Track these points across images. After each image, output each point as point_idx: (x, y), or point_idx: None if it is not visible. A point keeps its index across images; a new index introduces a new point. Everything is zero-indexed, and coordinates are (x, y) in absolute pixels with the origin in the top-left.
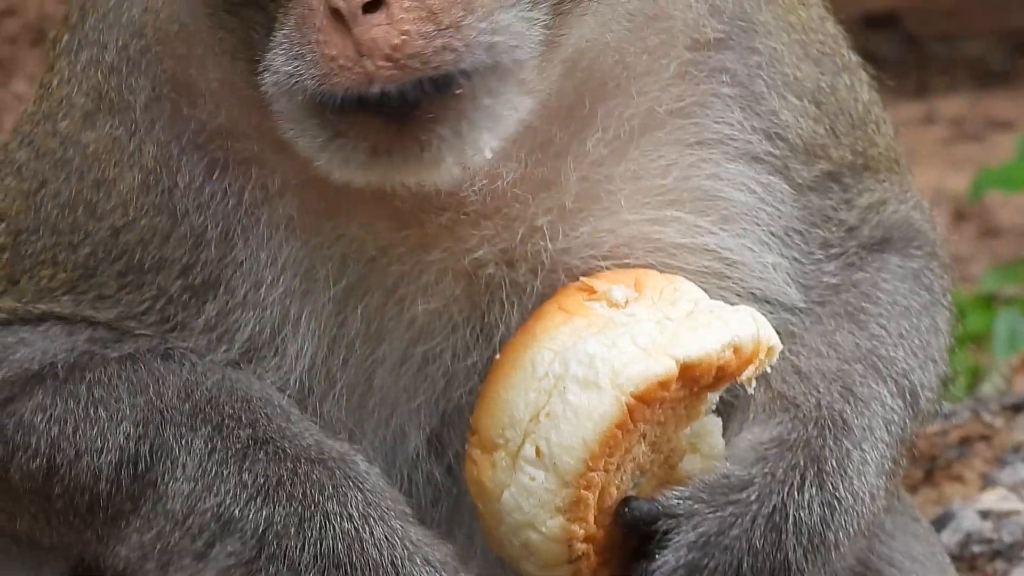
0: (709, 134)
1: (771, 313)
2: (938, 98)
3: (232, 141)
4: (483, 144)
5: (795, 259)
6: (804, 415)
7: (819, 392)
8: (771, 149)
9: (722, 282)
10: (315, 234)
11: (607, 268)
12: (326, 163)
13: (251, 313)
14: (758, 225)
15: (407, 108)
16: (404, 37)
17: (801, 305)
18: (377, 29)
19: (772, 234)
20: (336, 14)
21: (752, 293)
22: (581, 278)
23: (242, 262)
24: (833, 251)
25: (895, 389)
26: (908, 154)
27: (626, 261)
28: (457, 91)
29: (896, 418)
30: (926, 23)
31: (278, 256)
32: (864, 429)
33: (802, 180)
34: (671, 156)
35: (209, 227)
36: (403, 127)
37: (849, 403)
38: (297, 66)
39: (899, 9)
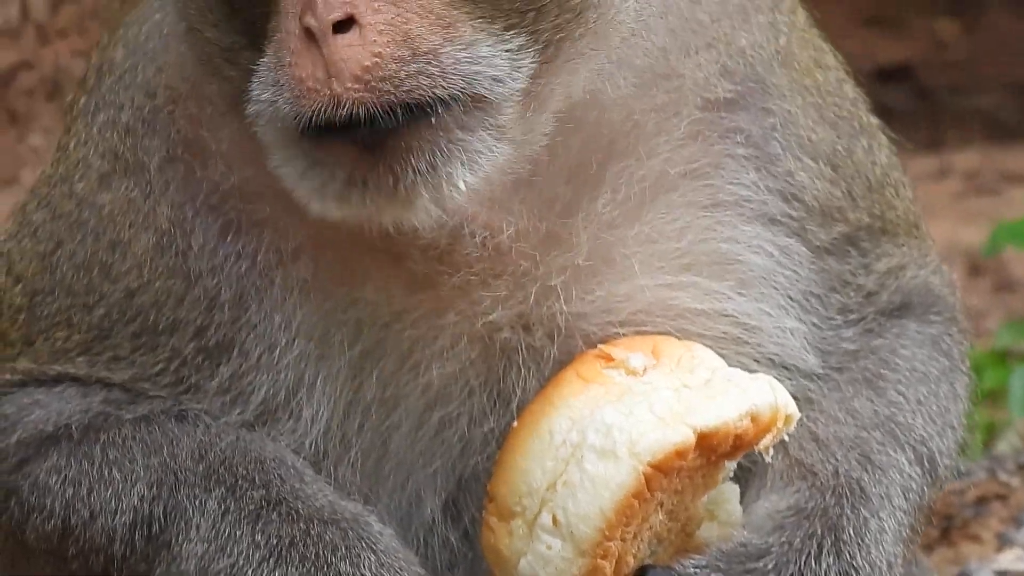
0: (724, 195)
1: (789, 379)
2: (951, 151)
3: (245, 202)
4: (457, 180)
5: (814, 324)
6: (822, 483)
7: (837, 460)
8: (788, 210)
9: (740, 348)
10: (329, 297)
11: (624, 335)
12: (304, 193)
13: (265, 376)
14: (776, 289)
15: (379, 135)
16: (376, 59)
17: (819, 371)
18: (348, 49)
19: (790, 298)
20: (309, 34)
21: (770, 358)
22: (599, 345)
23: (256, 325)
24: (852, 316)
25: (913, 456)
26: (922, 208)
27: (644, 328)
28: (431, 119)
29: (914, 485)
30: (939, 76)
31: (292, 319)
32: (882, 497)
33: (819, 243)
34: (685, 219)
35: (223, 289)
36: (377, 157)
37: (867, 471)
38: (274, 91)
39: (911, 62)
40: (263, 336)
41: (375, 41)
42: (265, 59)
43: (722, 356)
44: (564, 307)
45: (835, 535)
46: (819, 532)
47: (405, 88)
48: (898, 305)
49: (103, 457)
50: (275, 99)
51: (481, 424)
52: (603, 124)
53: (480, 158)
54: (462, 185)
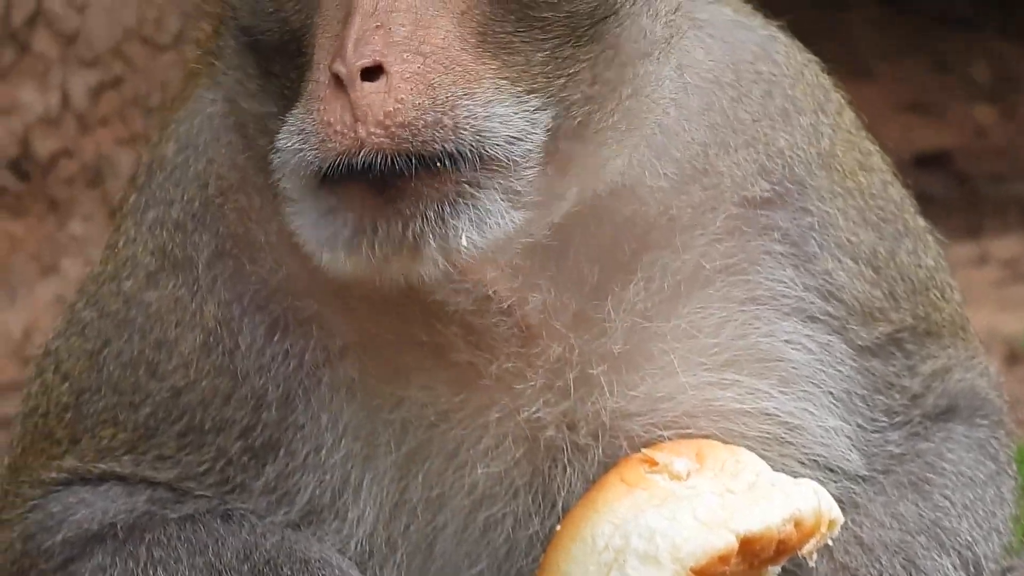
0: (762, 291)
1: (833, 481)
2: (990, 239)
3: (293, 299)
4: (464, 235)
5: (858, 425)
6: None
7: (881, 564)
8: (827, 308)
9: (784, 448)
10: (376, 397)
11: (669, 437)
12: (315, 244)
13: (311, 476)
14: (818, 387)
15: (392, 180)
16: (398, 105)
17: (864, 473)
18: (374, 96)
19: (833, 396)
20: (337, 80)
21: (814, 459)
22: (642, 449)
23: (303, 425)
24: (897, 419)
25: (958, 562)
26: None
27: (687, 430)
28: (442, 171)
29: None
30: (977, 163)
31: (339, 419)
32: None
33: (862, 342)
34: (723, 313)
35: (270, 389)
36: (387, 202)
37: (920, 569)
38: (300, 140)
39: (950, 149)
40: (310, 436)
41: (399, 88)
42: (294, 112)
43: (765, 457)
44: (608, 403)
45: None
46: None
47: (420, 138)
48: (944, 409)
49: (148, 557)
50: (301, 147)
51: (526, 526)
52: (638, 214)
53: (490, 219)
54: (469, 241)
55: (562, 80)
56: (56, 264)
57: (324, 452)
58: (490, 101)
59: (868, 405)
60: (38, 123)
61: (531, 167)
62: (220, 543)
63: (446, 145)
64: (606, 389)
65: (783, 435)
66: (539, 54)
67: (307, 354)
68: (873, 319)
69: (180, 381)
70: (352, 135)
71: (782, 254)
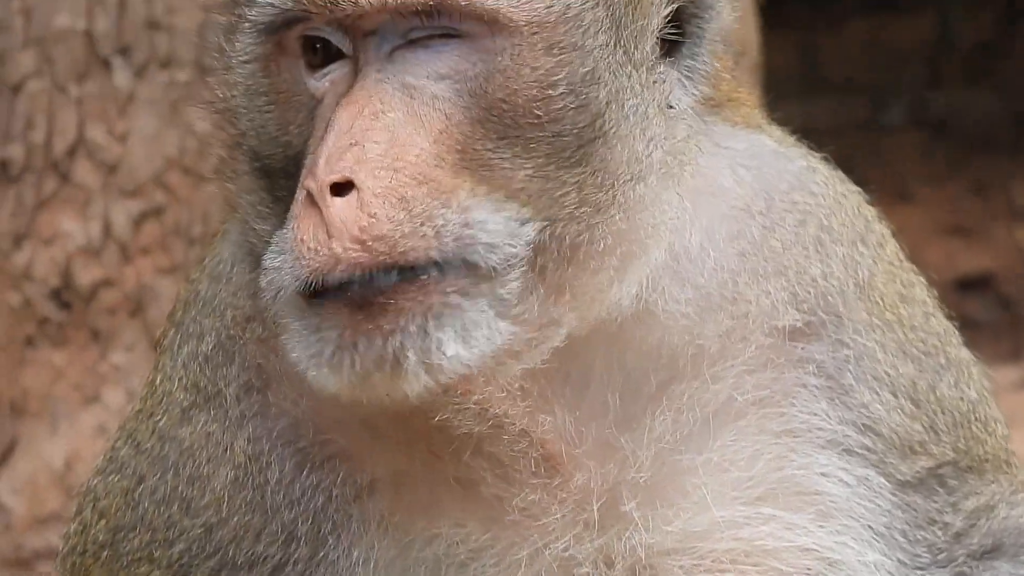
0: (797, 424)
1: None
2: None
3: (318, 433)
4: (450, 350)
5: (900, 560)
6: None
7: None
8: (864, 442)
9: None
10: (407, 533)
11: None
12: (303, 363)
13: None
14: (857, 521)
15: (371, 295)
16: (372, 220)
17: None
18: (347, 211)
19: (873, 531)
20: (310, 198)
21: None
22: None
23: (334, 561)
24: (941, 556)
25: None
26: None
27: (725, 568)
28: (423, 281)
29: None
30: (1021, 286)
31: (371, 556)
32: None
33: (902, 476)
34: (756, 446)
35: (300, 524)
36: (368, 316)
37: None
38: (282, 258)
39: (993, 272)
40: (342, 572)
41: (371, 203)
42: (280, 232)
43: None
44: (643, 539)
45: None
46: None
47: (399, 249)
48: (989, 548)
49: None
50: (281, 265)
51: None
52: (663, 342)
53: (476, 330)
54: (454, 354)
55: (545, 199)
56: (98, 394)
57: None
58: (468, 208)
59: (909, 540)
60: (79, 253)
61: (516, 276)
62: None
63: (429, 253)
64: (640, 524)
65: (823, 571)
66: (521, 172)
67: (336, 489)
68: (913, 453)
69: (213, 517)
70: (327, 251)
71: (817, 387)
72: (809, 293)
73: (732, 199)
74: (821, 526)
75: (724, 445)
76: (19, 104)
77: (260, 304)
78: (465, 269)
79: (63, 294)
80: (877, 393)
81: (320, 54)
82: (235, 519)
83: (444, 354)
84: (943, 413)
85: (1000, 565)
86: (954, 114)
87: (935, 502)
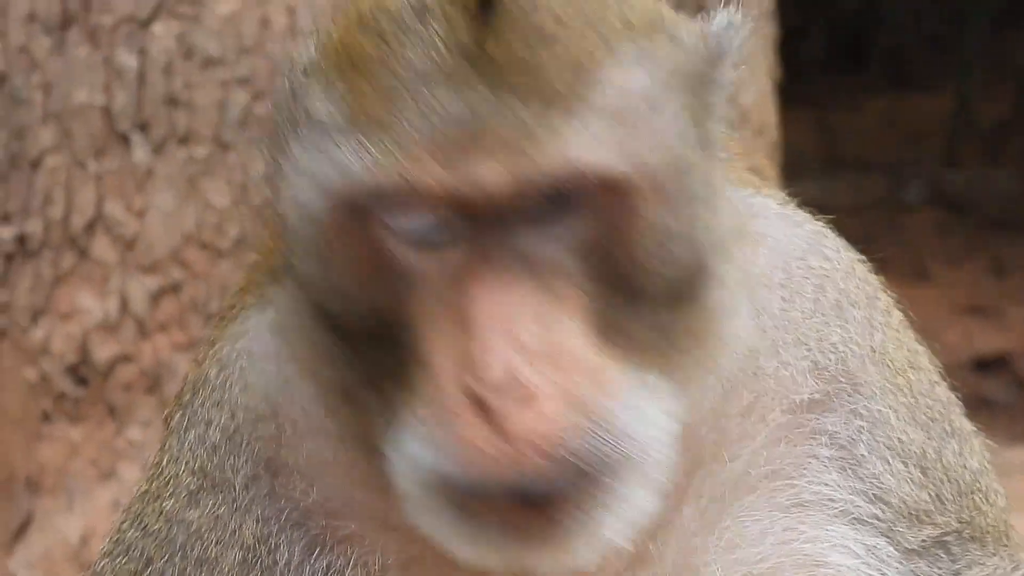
0: (807, 495)
1: None
2: None
3: (329, 519)
4: (613, 528)
5: None
6: None
7: None
8: (874, 512)
9: None
10: None
11: None
12: (455, 543)
13: None
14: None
15: (548, 494)
16: (554, 429)
17: None
18: (529, 421)
19: None
20: (481, 404)
21: None
22: None
23: None
24: None
25: None
26: (1019, 499)
27: None
28: (596, 476)
29: None
30: None
31: None
32: None
33: (908, 544)
34: (765, 521)
35: None
36: (537, 509)
37: None
38: (438, 453)
39: (1010, 352)
40: None
41: (546, 406)
42: (416, 415)
43: None
44: None
45: None
46: None
47: (573, 451)
48: None
49: None
50: (439, 461)
51: None
52: (693, 435)
53: (635, 509)
54: (617, 533)
55: (673, 352)
56: (114, 470)
57: None
58: (637, 407)
59: None
60: (97, 328)
61: (671, 454)
62: None
63: (604, 452)
64: None
65: None
66: (651, 331)
67: (348, 571)
68: (920, 521)
69: None
70: (505, 458)
71: (828, 458)
72: (830, 359)
73: (754, 273)
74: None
75: (734, 522)
76: (38, 179)
77: (272, 407)
78: (635, 462)
79: (80, 370)
80: (888, 463)
81: (421, 227)
82: None
83: (609, 533)
84: (949, 482)
85: None
86: (972, 192)
87: (939, 569)
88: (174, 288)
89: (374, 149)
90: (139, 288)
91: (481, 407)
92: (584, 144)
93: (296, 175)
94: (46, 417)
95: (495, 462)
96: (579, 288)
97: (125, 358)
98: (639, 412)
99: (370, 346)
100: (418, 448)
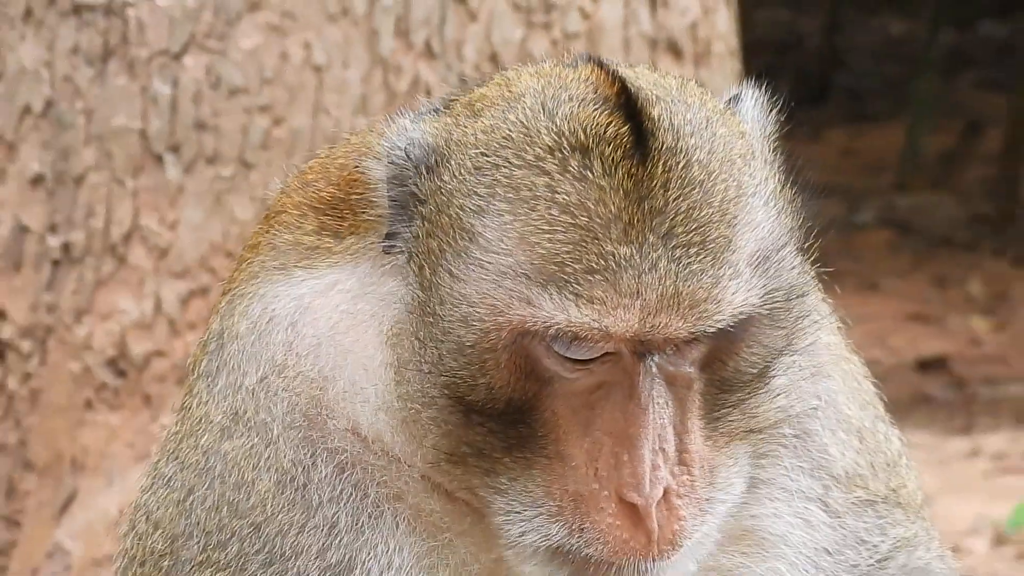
0: (762, 478)
1: None
2: (982, 435)
3: (359, 450)
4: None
5: (822, 571)
6: None
7: None
8: (813, 484)
9: None
10: (432, 539)
11: None
12: None
13: None
14: (790, 548)
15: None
16: (682, 523)
17: None
18: (664, 518)
19: (804, 555)
20: (631, 506)
21: None
22: None
23: (376, 545)
24: None
25: None
26: (955, 484)
27: None
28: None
29: None
30: (972, 368)
31: (403, 546)
32: None
33: (839, 506)
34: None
35: (342, 517)
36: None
37: None
38: (572, 535)
39: (948, 354)
40: (381, 555)
41: (679, 506)
42: (531, 488)
43: None
44: None
45: None
46: None
47: (688, 536)
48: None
49: None
50: (572, 541)
51: None
52: None
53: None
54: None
55: (750, 425)
56: (148, 452)
57: (394, 570)
58: (726, 479)
59: (835, 561)
60: (133, 327)
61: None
62: None
63: (703, 526)
64: None
65: None
66: (740, 419)
67: (372, 490)
68: (854, 485)
69: (259, 517)
70: (646, 551)
71: (782, 439)
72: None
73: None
74: (757, 553)
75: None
76: (81, 194)
77: (322, 371)
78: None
79: (119, 363)
80: (835, 434)
81: (589, 354)
82: (281, 515)
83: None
84: (880, 453)
85: None
86: (918, 215)
87: (865, 524)
88: (202, 291)
89: (575, 304)
90: (171, 291)
91: (633, 511)
92: (742, 294)
93: (462, 293)
94: (88, 405)
95: (634, 551)
96: (702, 397)
97: (159, 353)
98: (732, 488)
99: (485, 426)
100: (542, 520)
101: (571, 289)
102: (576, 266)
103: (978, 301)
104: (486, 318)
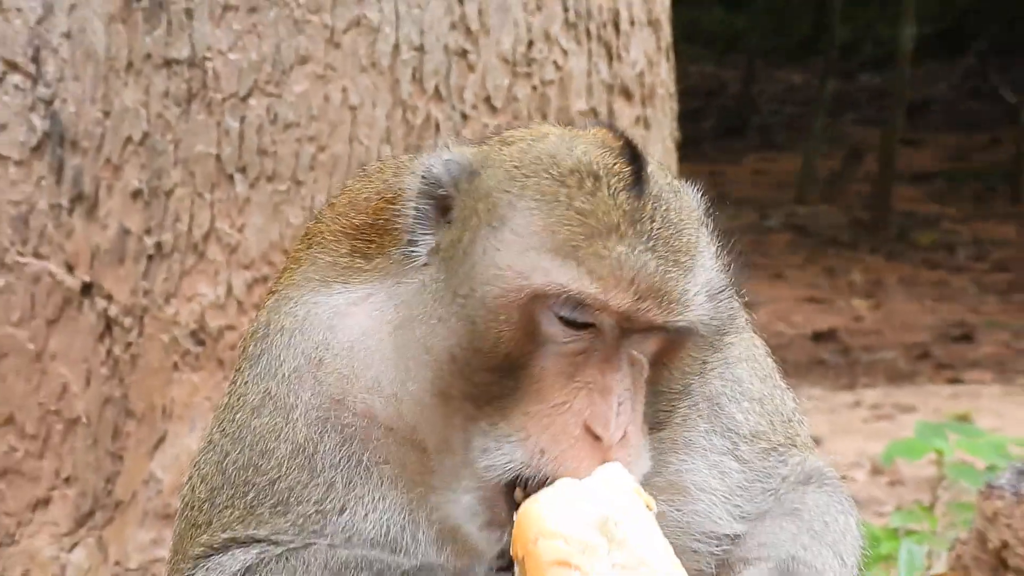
0: (683, 440)
1: (717, 546)
2: (863, 390)
3: (360, 425)
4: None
5: (736, 506)
6: (782, 559)
7: (788, 548)
8: (726, 444)
9: (683, 527)
10: (408, 491)
11: None
12: (477, 532)
13: (368, 525)
14: (709, 492)
15: None
16: (627, 460)
17: (742, 531)
18: (619, 453)
19: (722, 495)
20: (593, 436)
21: (705, 534)
22: None
23: (363, 496)
24: (770, 493)
25: (831, 552)
26: (841, 428)
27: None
28: None
29: (837, 570)
30: (855, 338)
31: (386, 496)
32: (824, 567)
33: (747, 457)
34: (659, 459)
35: (338, 478)
36: None
37: (809, 551)
38: (532, 457)
39: (836, 328)
40: (366, 504)
41: (629, 451)
42: (513, 428)
43: (675, 543)
44: None
45: None
46: None
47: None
48: (803, 479)
49: None
50: (530, 465)
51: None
52: None
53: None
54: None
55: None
56: (220, 403)
57: (377, 512)
58: (643, 455)
59: (748, 491)
60: (210, 307)
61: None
62: (306, 564)
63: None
64: None
65: (689, 521)
66: (665, 409)
67: (365, 456)
68: (758, 440)
69: (275, 475)
70: (588, 471)
71: (700, 411)
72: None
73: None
74: (689, 497)
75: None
76: (170, 205)
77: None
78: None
79: (199, 335)
80: (739, 404)
81: (583, 319)
82: (291, 476)
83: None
84: (777, 414)
85: (808, 487)
86: (812, 222)
87: (769, 462)
88: (263, 279)
89: (588, 277)
90: (239, 279)
91: (596, 444)
92: (699, 307)
93: (495, 261)
94: (176, 367)
95: (584, 469)
96: (644, 382)
97: (229, 327)
98: (646, 458)
99: (480, 375)
100: (509, 449)
101: (585, 266)
102: (589, 251)
103: (858, 287)
104: (510, 280)
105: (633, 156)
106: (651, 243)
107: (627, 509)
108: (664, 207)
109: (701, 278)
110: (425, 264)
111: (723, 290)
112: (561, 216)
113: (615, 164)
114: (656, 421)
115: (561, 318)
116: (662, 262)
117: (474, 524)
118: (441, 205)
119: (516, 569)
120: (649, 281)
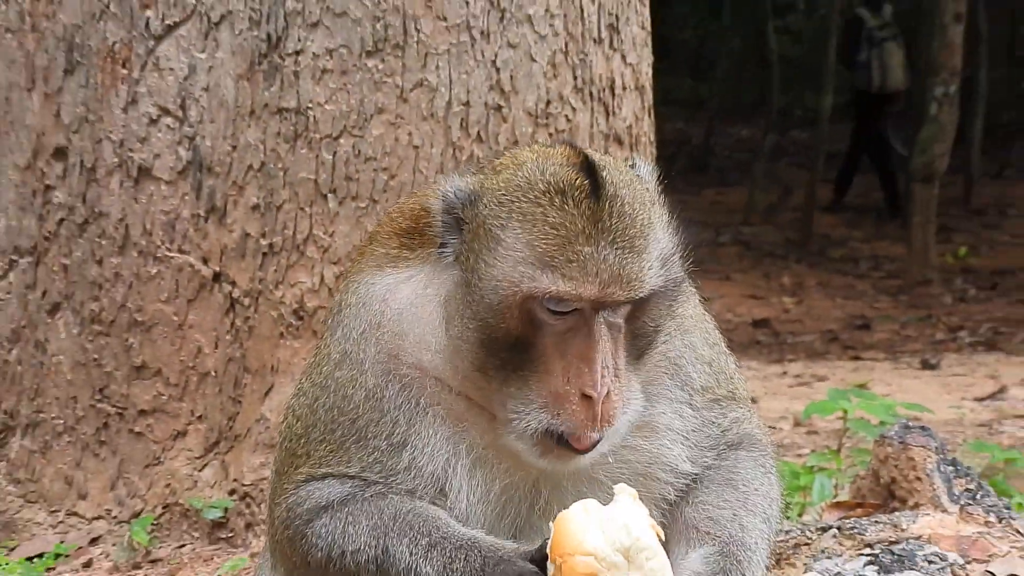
0: (653, 394)
1: (677, 480)
2: (788, 364)
3: (414, 374)
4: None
5: (691, 447)
6: (723, 541)
7: (728, 528)
8: (683, 395)
9: (652, 459)
10: (457, 427)
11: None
12: (534, 459)
13: (428, 461)
14: (672, 431)
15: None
16: (614, 411)
17: (695, 472)
18: (605, 406)
19: (682, 436)
20: (590, 400)
21: (668, 466)
22: None
23: (421, 431)
24: (711, 444)
25: (761, 519)
26: (771, 392)
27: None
28: (612, 427)
29: (766, 536)
30: (783, 325)
31: (439, 431)
32: (755, 545)
33: (700, 404)
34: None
35: (400, 417)
36: (576, 450)
37: (744, 531)
38: (551, 420)
39: (770, 318)
40: (426, 438)
41: (615, 402)
42: (530, 393)
43: (646, 471)
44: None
45: (740, 571)
46: (729, 570)
47: (617, 418)
48: (736, 443)
49: (347, 519)
50: (552, 424)
51: (531, 504)
52: None
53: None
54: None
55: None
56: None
57: (431, 448)
58: (634, 394)
59: (698, 436)
60: (308, 292)
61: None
62: (381, 510)
63: (621, 418)
64: None
65: (653, 451)
66: (644, 350)
67: (422, 400)
68: (707, 392)
69: (354, 415)
70: (595, 428)
71: (664, 370)
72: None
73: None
74: (656, 436)
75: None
76: (279, 216)
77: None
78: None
79: (299, 312)
80: (695, 366)
81: (566, 309)
82: (366, 416)
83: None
84: (722, 373)
85: (740, 452)
86: (755, 239)
87: (713, 412)
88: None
89: (562, 279)
90: (329, 272)
91: (589, 401)
92: (653, 279)
93: (493, 274)
94: (282, 336)
95: (589, 427)
96: (623, 337)
97: (321, 307)
98: (638, 397)
99: (502, 353)
100: (535, 412)
101: (559, 272)
102: (561, 259)
103: (787, 288)
104: (506, 288)
105: (590, 169)
106: (610, 237)
107: (644, 538)
108: (620, 203)
109: (655, 251)
110: (452, 261)
111: (673, 253)
112: (539, 232)
113: (577, 178)
114: (638, 361)
115: (549, 309)
116: (620, 252)
117: (532, 456)
118: (456, 219)
119: (551, 569)
120: (611, 271)
